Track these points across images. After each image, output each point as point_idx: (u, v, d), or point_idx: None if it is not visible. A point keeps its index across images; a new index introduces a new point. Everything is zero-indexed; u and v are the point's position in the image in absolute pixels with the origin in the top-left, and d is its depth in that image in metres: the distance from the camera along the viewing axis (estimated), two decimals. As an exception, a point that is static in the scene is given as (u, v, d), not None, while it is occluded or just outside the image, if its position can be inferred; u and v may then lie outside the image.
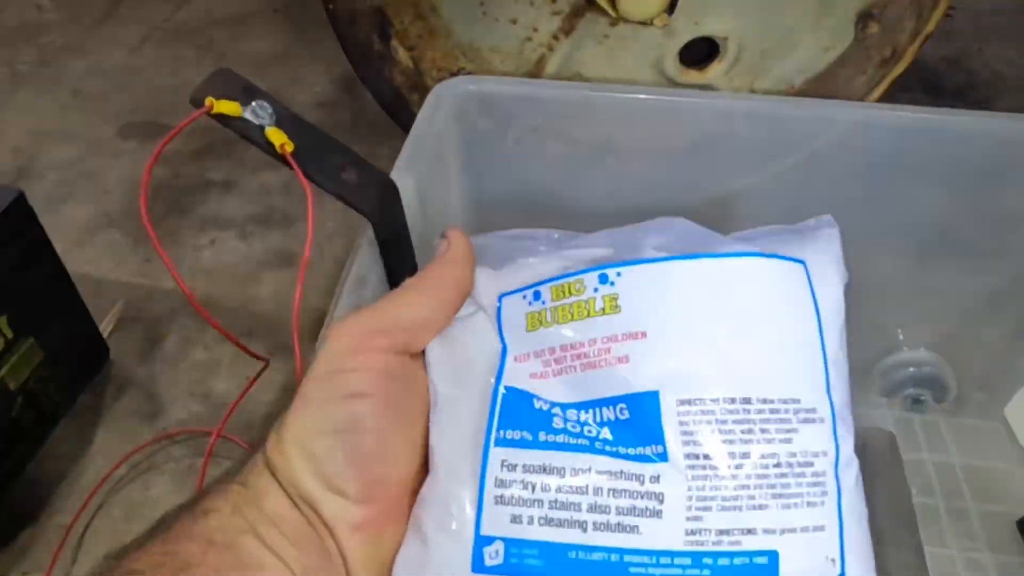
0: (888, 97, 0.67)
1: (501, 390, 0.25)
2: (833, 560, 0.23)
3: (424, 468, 0.26)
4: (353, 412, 0.24)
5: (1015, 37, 0.98)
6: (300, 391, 0.24)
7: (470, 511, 0.24)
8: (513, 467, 0.24)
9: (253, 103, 0.30)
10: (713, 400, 0.24)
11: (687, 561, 0.22)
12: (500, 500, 0.23)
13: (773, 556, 0.23)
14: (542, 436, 0.24)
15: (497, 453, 0.24)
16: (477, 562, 0.23)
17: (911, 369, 0.55)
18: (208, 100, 0.29)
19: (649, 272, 0.25)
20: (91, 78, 0.97)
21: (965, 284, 0.51)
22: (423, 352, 0.27)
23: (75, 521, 0.52)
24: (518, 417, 0.24)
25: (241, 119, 0.30)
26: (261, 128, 0.30)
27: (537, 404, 0.25)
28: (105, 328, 0.64)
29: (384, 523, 0.25)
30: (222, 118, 0.30)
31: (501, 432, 0.24)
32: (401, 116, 0.67)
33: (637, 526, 0.23)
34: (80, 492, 0.54)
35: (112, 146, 0.86)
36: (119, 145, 0.86)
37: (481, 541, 0.23)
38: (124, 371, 0.63)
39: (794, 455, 0.24)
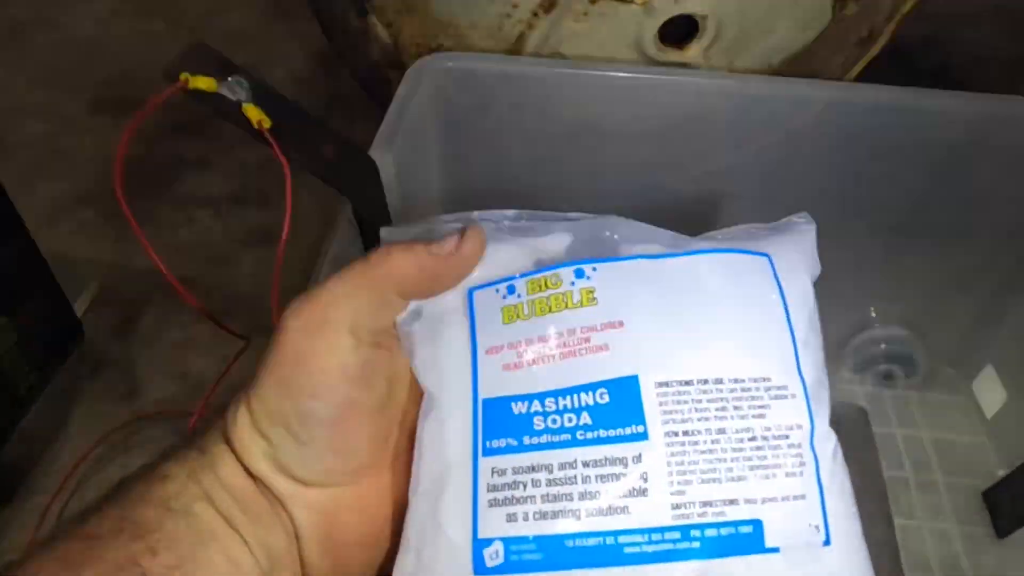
0: (865, 77, 0.67)
1: (479, 403, 0.26)
2: (817, 527, 0.24)
3: (386, 454, 0.26)
4: (309, 411, 0.24)
5: (990, 19, 0.99)
6: (258, 376, 0.24)
7: (465, 518, 0.24)
8: (503, 472, 0.25)
9: (229, 78, 0.30)
10: (687, 382, 0.25)
11: (677, 535, 0.23)
12: (494, 503, 0.24)
13: (758, 525, 0.24)
14: (526, 440, 0.25)
15: (486, 462, 0.25)
16: (478, 565, 0.24)
17: (882, 345, 0.56)
18: (183, 75, 0.29)
19: (623, 268, 0.27)
20: (60, 52, 0.94)
21: (936, 262, 0.52)
22: (401, 341, 0.27)
23: (52, 502, 0.52)
24: (500, 426, 0.25)
25: (217, 95, 0.29)
26: (237, 104, 0.30)
27: (516, 408, 0.25)
28: (79, 307, 0.63)
29: (338, 503, 0.25)
30: (197, 94, 0.29)
31: (487, 443, 0.25)
32: (379, 93, 0.66)
33: (627, 507, 0.23)
34: (56, 473, 0.54)
35: (83, 122, 0.84)
36: (90, 121, 0.84)
37: (480, 544, 0.24)
38: (99, 351, 0.62)
39: (768, 429, 0.25)
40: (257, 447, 0.24)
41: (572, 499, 0.24)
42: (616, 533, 0.23)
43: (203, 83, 0.29)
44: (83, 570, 0.20)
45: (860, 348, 0.56)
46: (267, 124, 0.30)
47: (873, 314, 0.56)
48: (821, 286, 0.29)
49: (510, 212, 0.29)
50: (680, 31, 0.63)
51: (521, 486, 0.24)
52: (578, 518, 0.23)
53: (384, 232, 0.29)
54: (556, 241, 0.28)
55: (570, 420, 0.25)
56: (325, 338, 0.24)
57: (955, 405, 0.56)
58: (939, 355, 0.57)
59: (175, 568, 0.21)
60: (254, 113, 0.29)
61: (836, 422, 0.27)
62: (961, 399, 0.56)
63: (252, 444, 0.24)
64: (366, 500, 0.26)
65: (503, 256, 0.28)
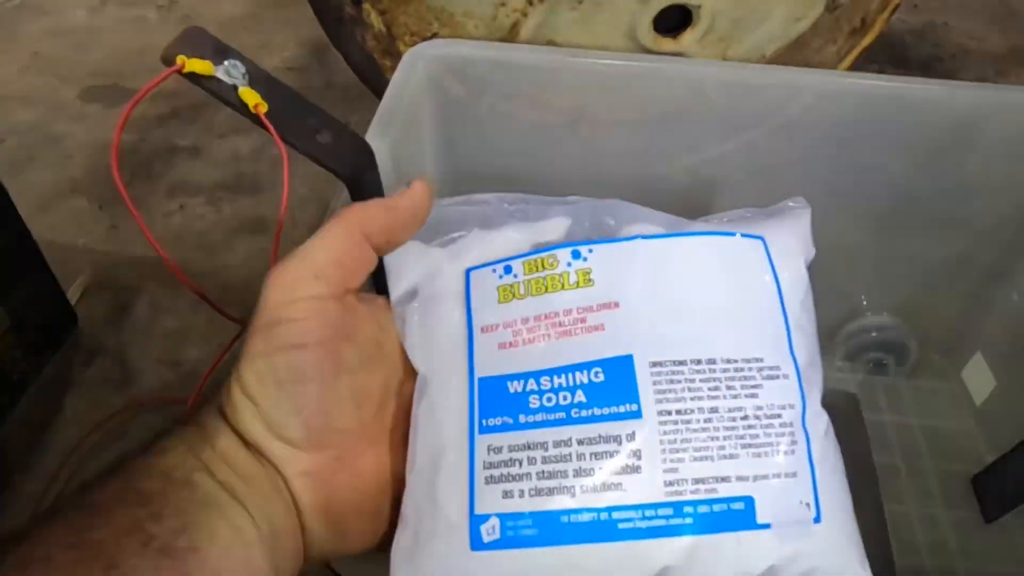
0: (856, 68, 0.68)
1: (476, 381, 0.26)
2: (808, 504, 0.25)
3: (376, 419, 0.26)
4: (293, 363, 0.24)
5: (980, 11, 1.00)
6: (245, 343, 0.25)
7: (462, 494, 0.25)
8: (499, 449, 0.25)
9: (225, 62, 0.29)
10: (681, 362, 0.25)
11: (669, 511, 0.24)
12: (490, 480, 0.25)
13: (749, 502, 0.24)
14: (522, 419, 0.25)
15: (482, 440, 0.25)
16: (475, 541, 0.24)
17: (874, 334, 0.56)
18: (180, 58, 0.28)
19: (620, 249, 0.27)
20: (51, 39, 0.94)
21: (927, 251, 0.52)
22: (395, 321, 0.27)
23: (47, 489, 0.52)
24: (496, 405, 0.26)
25: (213, 78, 0.29)
26: (234, 88, 0.30)
27: (512, 387, 0.26)
28: (72, 295, 0.63)
29: (334, 471, 0.25)
30: (194, 77, 0.29)
31: (484, 421, 0.25)
32: (374, 82, 0.66)
33: (620, 483, 0.24)
34: (51, 460, 0.54)
35: (74, 110, 0.84)
36: (81, 109, 0.84)
37: (477, 520, 0.24)
38: (93, 339, 0.62)
39: (760, 408, 0.25)
40: (248, 410, 0.24)
41: (567, 476, 0.24)
42: (610, 509, 0.24)
43: (199, 66, 0.29)
44: (88, 534, 0.21)
45: (851, 336, 0.57)
46: (264, 108, 0.30)
47: (864, 302, 0.57)
48: (812, 275, 0.29)
49: (509, 195, 0.29)
50: (674, 20, 0.63)
51: (517, 463, 0.24)
52: (573, 495, 0.24)
53: None
54: (554, 225, 0.29)
55: (565, 398, 0.25)
56: (305, 287, 0.25)
57: (945, 392, 0.57)
58: (929, 343, 0.57)
59: (180, 532, 0.21)
60: (251, 97, 0.29)
61: (827, 408, 0.27)
62: (951, 386, 0.57)
63: (243, 408, 0.25)
64: (363, 471, 0.26)
65: (501, 238, 0.28)
